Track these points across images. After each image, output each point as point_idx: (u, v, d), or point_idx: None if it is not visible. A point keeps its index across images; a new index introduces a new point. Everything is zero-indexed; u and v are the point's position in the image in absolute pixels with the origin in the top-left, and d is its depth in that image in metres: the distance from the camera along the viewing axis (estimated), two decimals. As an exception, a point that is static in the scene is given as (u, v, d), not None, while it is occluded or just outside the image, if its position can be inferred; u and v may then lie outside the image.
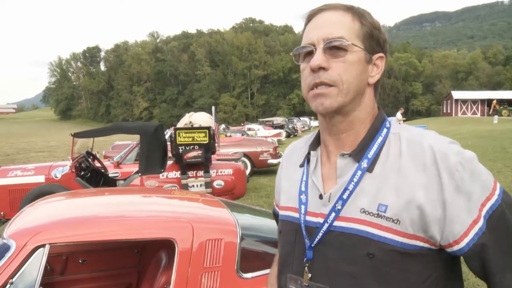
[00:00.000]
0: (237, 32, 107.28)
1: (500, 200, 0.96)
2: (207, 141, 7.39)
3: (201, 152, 7.28)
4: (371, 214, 0.96)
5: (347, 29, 1.02)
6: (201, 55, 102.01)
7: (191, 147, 7.32)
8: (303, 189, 1.11)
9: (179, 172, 7.32)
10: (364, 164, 1.01)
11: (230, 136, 20.51)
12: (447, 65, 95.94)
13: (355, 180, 1.00)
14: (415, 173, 0.95)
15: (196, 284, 2.19)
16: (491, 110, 53.85)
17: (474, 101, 60.55)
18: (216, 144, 8.36)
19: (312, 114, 77.30)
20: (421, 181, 0.94)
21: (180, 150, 7.29)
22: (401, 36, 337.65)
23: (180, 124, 9.03)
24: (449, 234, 0.93)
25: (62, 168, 7.07)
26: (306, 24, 1.09)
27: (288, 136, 33.59)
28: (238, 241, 2.34)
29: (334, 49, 1.00)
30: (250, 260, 2.40)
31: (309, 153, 1.15)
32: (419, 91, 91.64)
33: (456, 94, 62.56)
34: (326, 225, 1.01)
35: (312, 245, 1.03)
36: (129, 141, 15.10)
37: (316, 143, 1.16)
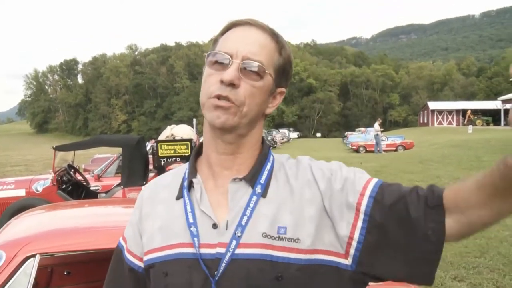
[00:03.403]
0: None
1: (378, 186, 0.99)
2: (189, 153, 7.43)
3: (183, 164, 7.31)
4: (272, 237, 0.96)
5: (268, 55, 1.02)
6: (179, 68, 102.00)
7: (173, 159, 7.34)
8: (191, 220, 1.01)
9: (161, 184, 7.32)
10: (258, 189, 1.01)
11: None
12: (423, 76, 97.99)
13: (251, 205, 0.99)
14: (302, 189, 1.01)
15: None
16: (466, 120, 54.90)
17: (450, 112, 61.91)
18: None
19: (291, 126, 78.01)
20: (308, 195, 0.99)
21: (162, 162, 7.30)
22: (378, 48, 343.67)
23: (162, 137, 9.03)
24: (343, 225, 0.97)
25: (44, 181, 7.03)
26: (226, 30, 1.06)
27: (268, 147, 33.60)
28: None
29: (249, 71, 0.98)
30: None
31: (191, 181, 1.07)
32: (396, 102, 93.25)
33: (432, 105, 63.97)
34: (229, 254, 0.95)
35: (216, 279, 0.94)
36: (109, 154, 14.98)
37: (193, 171, 1.09)
